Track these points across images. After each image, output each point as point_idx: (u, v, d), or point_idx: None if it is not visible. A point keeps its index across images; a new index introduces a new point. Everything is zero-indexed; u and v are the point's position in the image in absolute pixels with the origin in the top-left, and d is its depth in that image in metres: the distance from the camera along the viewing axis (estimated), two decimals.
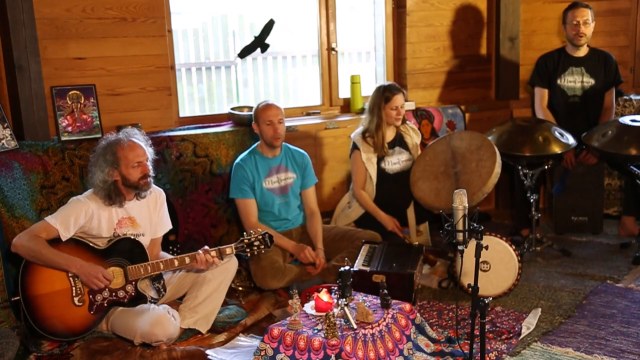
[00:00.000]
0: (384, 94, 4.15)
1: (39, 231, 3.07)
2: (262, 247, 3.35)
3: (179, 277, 3.43)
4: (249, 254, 3.35)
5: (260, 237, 3.36)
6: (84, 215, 3.14)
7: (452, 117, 5.04)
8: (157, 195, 3.41)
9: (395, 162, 4.26)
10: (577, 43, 4.53)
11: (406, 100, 4.88)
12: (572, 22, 4.49)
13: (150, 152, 3.30)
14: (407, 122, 4.40)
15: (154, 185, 3.37)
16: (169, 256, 3.35)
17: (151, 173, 3.26)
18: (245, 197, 3.83)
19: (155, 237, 3.42)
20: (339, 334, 2.72)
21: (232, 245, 3.33)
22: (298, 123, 4.51)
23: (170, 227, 3.52)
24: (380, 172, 4.22)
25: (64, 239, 3.09)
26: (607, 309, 3.46)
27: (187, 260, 3.23)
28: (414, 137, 4.35)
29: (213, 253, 3.26)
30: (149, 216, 3.36)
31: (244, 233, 3.39)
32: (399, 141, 4.30)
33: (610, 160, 4.56)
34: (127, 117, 4.06)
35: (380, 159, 4.22)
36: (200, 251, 3.25)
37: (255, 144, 3.96)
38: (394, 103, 4.14)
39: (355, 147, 4.23)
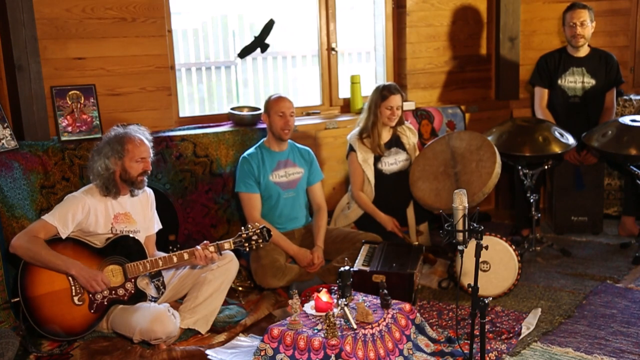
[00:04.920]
0: (381, 92, 4.15)
1: (37, 231, 3.07)
2: (261, 241, 3.36)
3: (179, 278, 3.43)
4: (247, 248, 3.35)
5: (259, 231, 3.36)
6: (81, 211, 3.15)
7: (452, 117, 5.04)
8: (147, 194, 3.44)
9: (393, 162, 4.26)
10: (575, 44, 4.53)
11: (406, 101, 4.90)
12: (570, 23, 4.49)
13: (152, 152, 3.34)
14: (405, 121, 4.40)
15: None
16: (162, 255, 3.35)
17: (150, 171, 3.31)
18: (249, 191, 3.84)
19: (148, 235, 3.44)
20: (339, 334, 2.72)
21: (231, 240, 3.34)
22: (298, 123, 4.51)
23: (161, 226, 3.54)
24: (378, 173, 4.21)
25: (63, 236, 3.10)
26: (607, 309, 3.46)
27: (186, 256, 3.24)
28: (410, 137, 4.34)
29: (212, 248, 3.28)
30: (143, 212, 3.39)
31: (242, 227, 3.39)
32: (396, 142, 4.30)
33: (610, 160, 4.56)
34: (127, 117, 4.05)
35: (377, 160, 4.22)
36: (198, 247, 3.26)
37: (262, 140, 3.97)
38: (389, 102, 4.13)
39: (351, 149, 4.23)
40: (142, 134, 3.31)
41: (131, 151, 3.21)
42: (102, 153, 3.22)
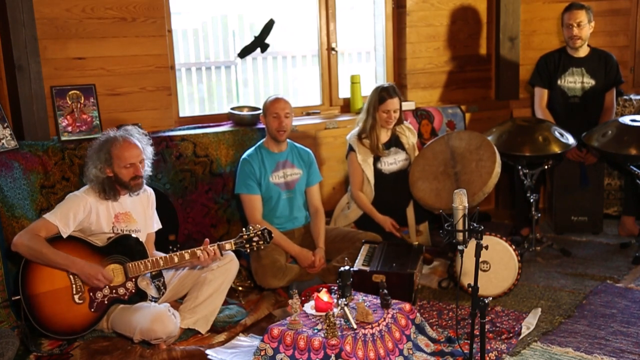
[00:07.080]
0: (379, 94, 4.14)
1: (38, 229, 3.08)
2: (261, 242, 3.36)
3: (180, 278, 3.43)
4: (248, 250, 3.35)
5: (260, 232, 3.36)
6: (83, 210, 3.15)
7: (452, 117, 5.03)
8: (148, 194, 3.44)
9: (392, 162, 4.26)
10: (572, 46, 4.53)
11: (406, 101, 4.90)
12: (567, 24, 4.48)
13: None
14: (404, 121, 4.40)
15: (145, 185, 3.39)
16: (163, 255, 3.35)
17: (144, 174, 3.29)
18: (250, 193, 3.84)
19: (147, 233, 3.43)
20: (339, 333, 2.72)
21: (232, 241, 3.34)
22: (298, 123, 4.51)
23: (160, 226, 3.54)
24: (377, 172, 4.21)
25: (64, 235, 3.11)
26: (607, 309, 3.46)
27: (187, 256, 3.24)
28: (410, 137, 4.34)
29: (213, 247, 3.27)
30: (143, 212, 3.39)
31: (243, 229, 3.39)
32: (395, 141, 4.30)
33: (610, 160, 4.56)
34: (127, 117, 4.06)
35: (376, 160, 4.21)
36: (200, 248, 3.25)
37: (261, 140, 3.97)
38: (386, 106, 4.13)
39: (351, 148, 4.22)
40: (132, 137, 3.26)
41: (117, 158, 3.18)
42: (92, 160, 3.22)
